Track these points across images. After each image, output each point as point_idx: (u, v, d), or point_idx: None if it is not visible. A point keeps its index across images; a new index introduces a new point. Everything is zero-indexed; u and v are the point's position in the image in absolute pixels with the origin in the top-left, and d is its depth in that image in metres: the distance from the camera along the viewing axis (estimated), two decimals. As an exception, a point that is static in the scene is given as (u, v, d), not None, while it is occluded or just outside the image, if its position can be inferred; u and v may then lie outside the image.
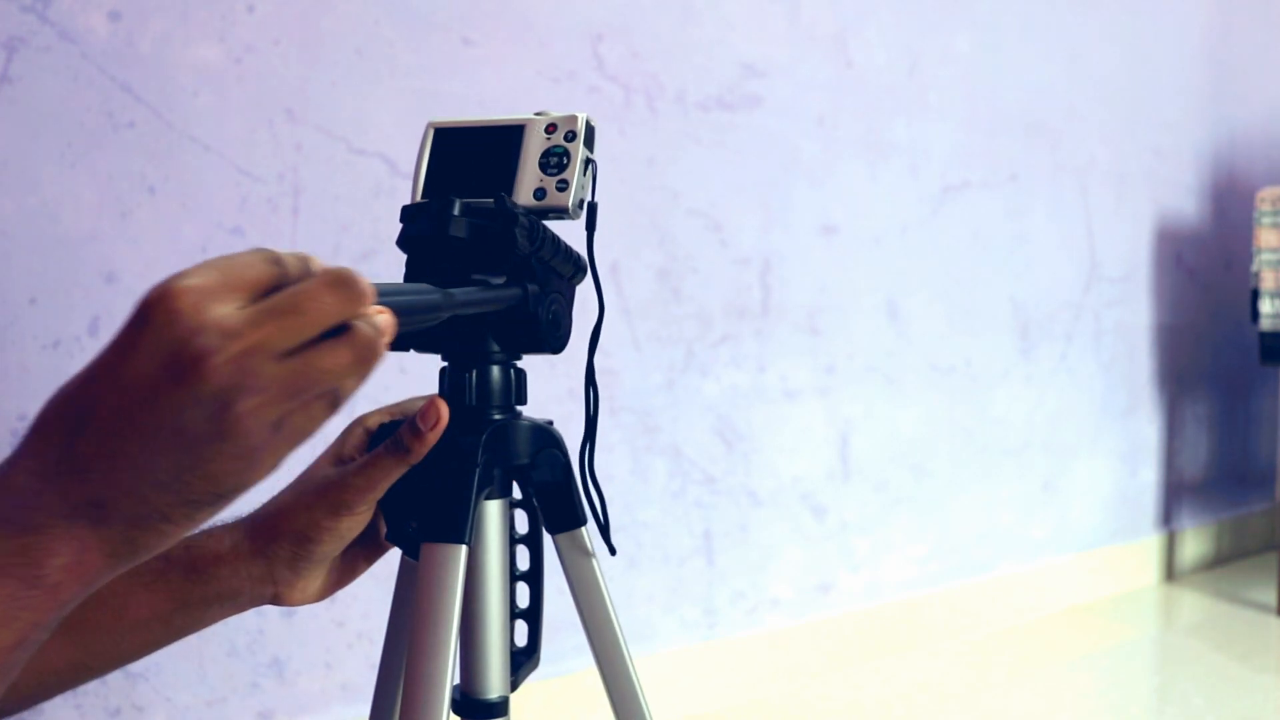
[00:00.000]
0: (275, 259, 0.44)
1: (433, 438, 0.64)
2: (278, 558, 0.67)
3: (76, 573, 0.42)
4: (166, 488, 0.42)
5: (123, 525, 0.42)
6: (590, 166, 0.69)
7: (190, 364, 0.40)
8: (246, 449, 0.42)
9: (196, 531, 0.63)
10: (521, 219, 0.65)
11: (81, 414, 0.41)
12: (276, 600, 0.69)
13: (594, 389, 0.73)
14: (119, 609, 0.65)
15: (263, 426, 0.42)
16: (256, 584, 0.67)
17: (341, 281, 0.44)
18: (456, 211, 0.64)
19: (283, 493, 0.69)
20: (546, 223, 0.69)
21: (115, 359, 0.41)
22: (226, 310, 0.41)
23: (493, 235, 0.64)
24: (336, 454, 0.71)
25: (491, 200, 0.65)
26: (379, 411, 0.73)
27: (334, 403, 0.45)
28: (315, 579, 0.69)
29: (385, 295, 0.49)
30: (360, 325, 0.45)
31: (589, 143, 0.69)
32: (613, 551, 0.74)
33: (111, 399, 0.41)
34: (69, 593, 0.42)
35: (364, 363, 0.45)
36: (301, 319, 0.42)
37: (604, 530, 0.72)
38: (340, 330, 0.44)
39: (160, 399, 0.40)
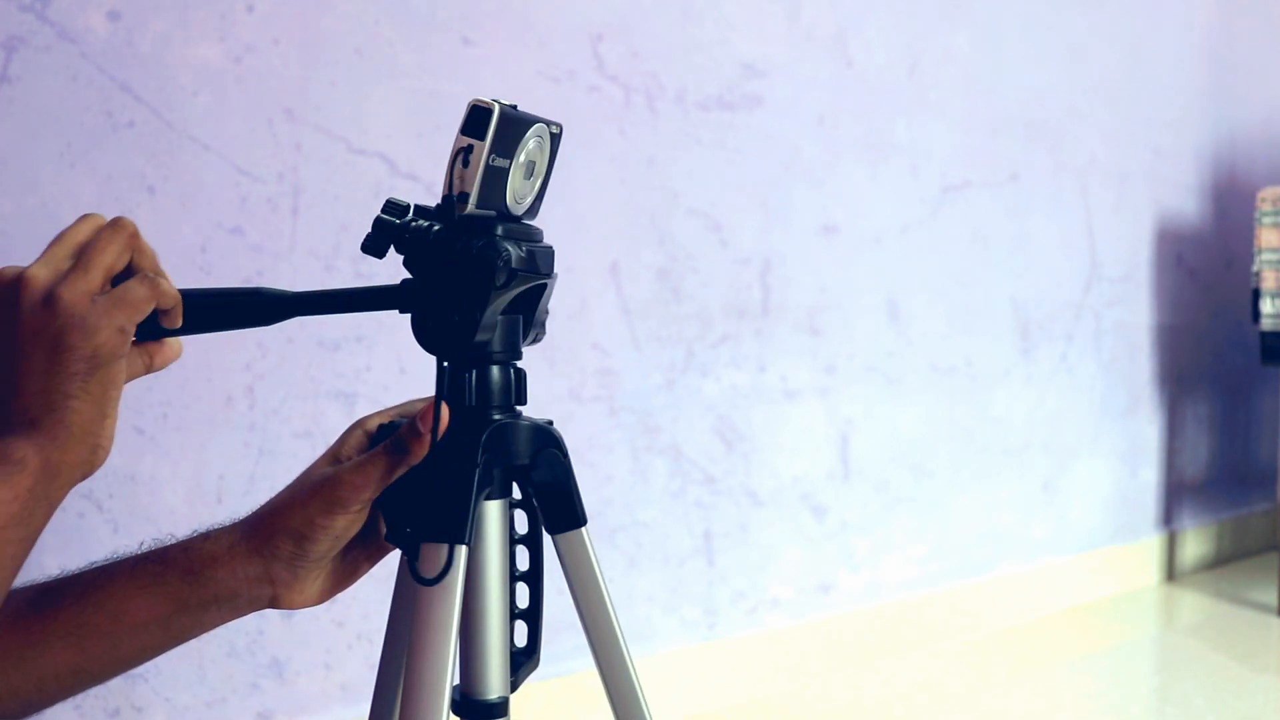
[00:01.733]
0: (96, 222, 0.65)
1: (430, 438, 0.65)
2: (275, 557, 0.67)
3: (39, 457, 0.58)
4: (50, 373, 0.58)
5: (48, 416, 0.58)
6: (460, 157, 0.65)
7: (18, 286, 0.59)
8: (78, 318, 0.58)
9: (194, 535, 0.69)
10: (402, 222, 0.65)
11: None
12: (275, 602, 0.68)
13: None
14: (117, 613, 0.66)
15: (81, 298, 0.59)
16: (254, 585, 0.67)
17: (91, 217, 0.65)
18: (410, 215, 0.65)
19: (280, 493, 0.69)
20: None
21: None
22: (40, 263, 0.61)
23: (392, 237, 0.66)
24: (335, 455, 0.70)
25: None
26: (379, 414, 0.73)
27: (148, 286, 0.61)
28: (313, 580, 0.69)
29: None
30: (117, 219, 0.65)
31: (495, 133, 0.65)
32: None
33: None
34: (40, 470, 0.58)
35: (115, 230, 0.63)
36: (64, 235, 0.63)
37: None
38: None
39: (15, 322, 0.59)
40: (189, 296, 0.66)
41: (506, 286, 0.66)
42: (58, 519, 1.17)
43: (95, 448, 0.60)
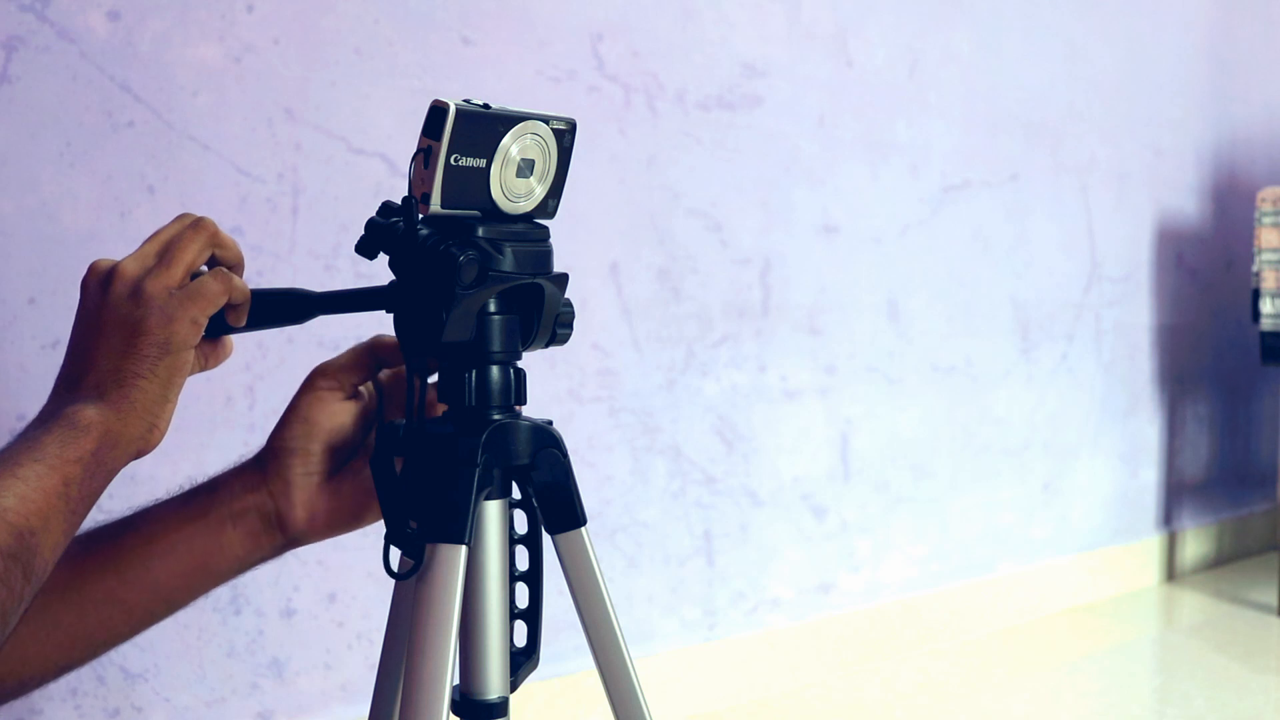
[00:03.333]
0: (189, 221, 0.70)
1: (394, 343, 0.73)
2: (265, 459, 0.74)
3: (101, 424, 0.63)
4: (125, 355, 0.64)
5: (115, 390, 0.64)
6: (421, 156, 0.66)
7: (109, 276, 0.66)
8: (158, 308, 0.64)
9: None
10: (372, 218, 0.67)
11: (72, 349, 0.67)
12: (282, 521, 0.73)
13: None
14: (150, 535, 0.73)
15: (162, 290, 0.65)
16: (259, 496, 0.73)
17: (183, 217, 0.70)
18: (389, 214, 0.67)
19: None
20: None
21: (79, 313, 0.68)
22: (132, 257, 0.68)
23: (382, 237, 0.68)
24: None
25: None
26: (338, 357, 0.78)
27: (221, 279, 0.67)
28: (308, 492, 0.73)
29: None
30: (195, 218, 0.70)
31: (431, 133, 0.65)
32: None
33: (81, 328, 0.67)
34: (102, 435, 0.63)
35: (196, 230, 0.68)
36: (158, 233, 0.68)
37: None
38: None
39: (102, 306, 0.65)
40: (253, 294, 0.70)
41: (477, 286, 0.66)
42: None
43: (152, 427, 0.65)
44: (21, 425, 1.15)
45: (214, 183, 1.25)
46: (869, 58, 1.88)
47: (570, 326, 0.73)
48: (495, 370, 0.69)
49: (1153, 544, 2.49)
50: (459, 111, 0.64)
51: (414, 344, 0.67)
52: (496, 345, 0.69)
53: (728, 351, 1.71)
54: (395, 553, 0.68)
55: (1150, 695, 1.85)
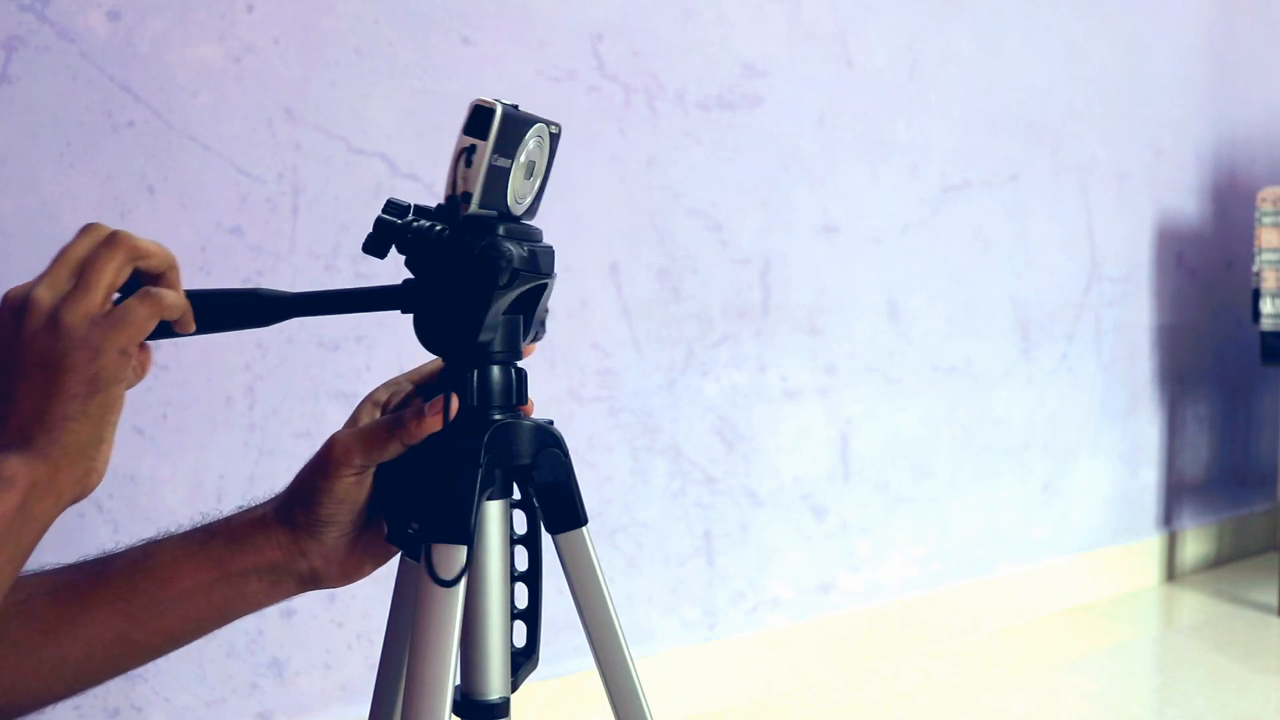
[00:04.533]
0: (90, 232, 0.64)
1: (432, 424, 0.66)
2: (297, 524, 0.69)
3: (28, 478, 0.57)
4: (50, 395, 0.58)
5: (43, 436, 0.58)
6: (464, 156, 0.65)
7: (22, 307, 0.60)
8: (80, 340, 0.58)
9: (237, 510, 0.73)
10: (403, 222, 0.65)
11: None
12: (315, 577, 0.70)
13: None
14: (164, 579, 0.69)
15: (81, 319, 0.59)
16: (288, 553, 0.69)
17: (92, 229, 0.63)
18: (410, 215, 0.66)
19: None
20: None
21: None
22: (29, 284, 0.62)
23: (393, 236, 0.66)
24: (350, 428, 0.72)
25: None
26: (386, 385, 0.75)
27: (149, 302, 0.61)
28: (341, 549, 0.70)
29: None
30: (107, 230, 0.63)
31: (476, 132, 0.65)
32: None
33: None
34: (30, 489, 0.57)
35: (111, 247, 0.61)
36: (66, 252, 0.62)
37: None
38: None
39: (16, 342, 0.59)
40: (193, 298, 0.65)
41: (509, 287, 0.66)
42: (58, 518, 1.17)
43: (89, 471, 0.60)
44: (21, 425, 1.15)
45: (214, 183, 1.25)
46: (869, 58, 1.88)
47: (545, 325, 0.74)
48: (496, 370, 0.69)
49: (1153, 544, 2.49)
50: (505, 111, 0.65)
51: (441, 345, 0.67)
52: (499, 345, 0.69)
53: (728, 351, 1.71)
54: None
55: (1150, 695, 1.85)
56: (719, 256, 1.69)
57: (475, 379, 0.68)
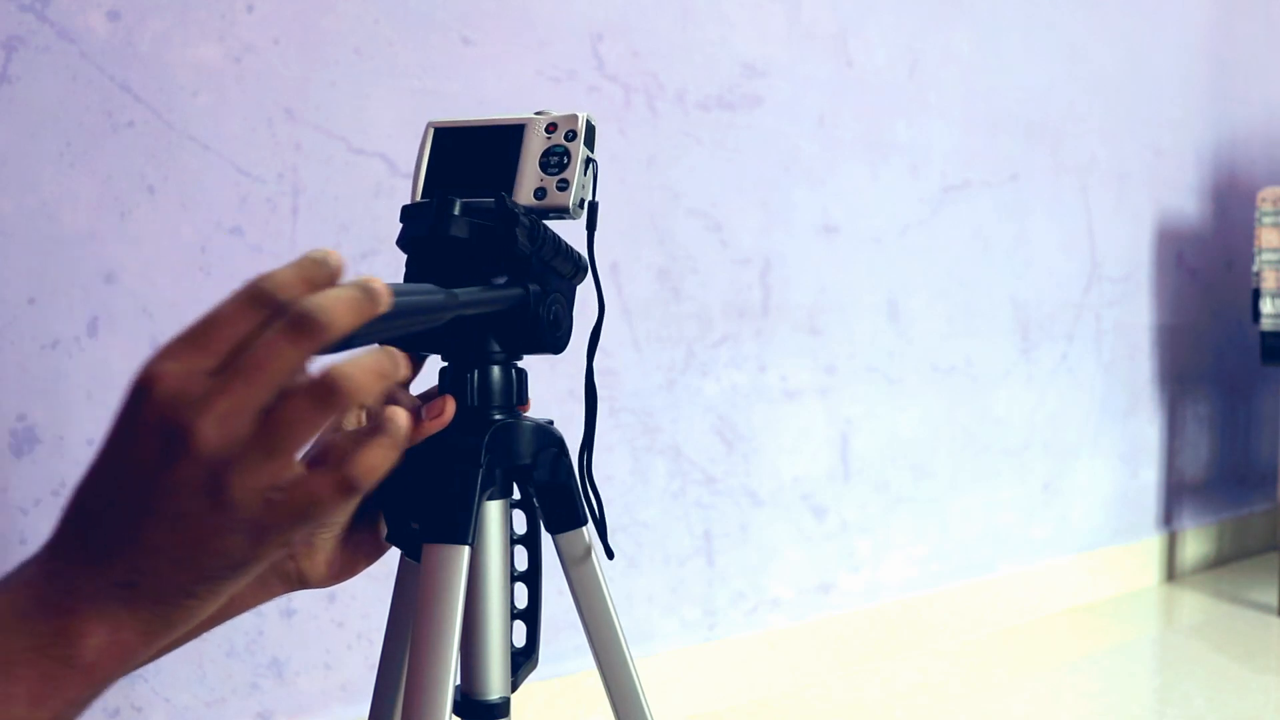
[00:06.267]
0: (256, 295, 0.44)
1: (431, 428, 0.65)
2: None
3: (112, 652, 0.43)
4: (183, 565, 0.43)
5: (151, 603, 0.44)
6: (591, 166, 0.69)
7: (177, 442, 0.42)
8: (245, 521, 0.43)
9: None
10: (522, 219, 0.65)
11: (102, 501, 0.44)
12: (301, 575, 0.69)
13: (593, 391, 0.73)
14: None
15: (254, 496, 0.43)
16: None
17: (298, 323, 0.43)
18: (456, 211, 0.64)
19: None
20: (547, 222, 0.69)
21: (118, 447, 0.43)
22: (201, 383, 0.42)
23: (493, 235, 0.64)
24: None
25: (492, 200, 0.65)
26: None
27: (344, 485, 0.44)
28: (328, 550, 0.69)
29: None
30: (330, 373, 0.44)
31: (589, 142, 0.69)
32: (610, 555, 0.74)
33: (124, 485, 0.43)
34: (104, 672, 0.44)
35: (326, 403, 0.43)
36: (262, 374, 0.42)
37: (602, 534, 0.72)
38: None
39: (160, 482, 0.42)
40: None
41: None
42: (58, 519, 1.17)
43: (173, 643, 0.50)
44: (22, 426, 1.15)
45: (214, 183, 1.25)
46: (869, 58, 1.88)
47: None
48: (496, 370, 0.69)
49: (1153, 544, 2.49)
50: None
51: (539, 348, 0.68)
52: (498, 345, 0.69)
53: (728, 351, 1.71)
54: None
55: (1150, 695, 1.85)
56: (719, 256, 1.69)
57: (475, 379, 0.68)
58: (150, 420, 0.42)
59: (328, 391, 0.43)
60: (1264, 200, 2.23)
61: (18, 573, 0.45)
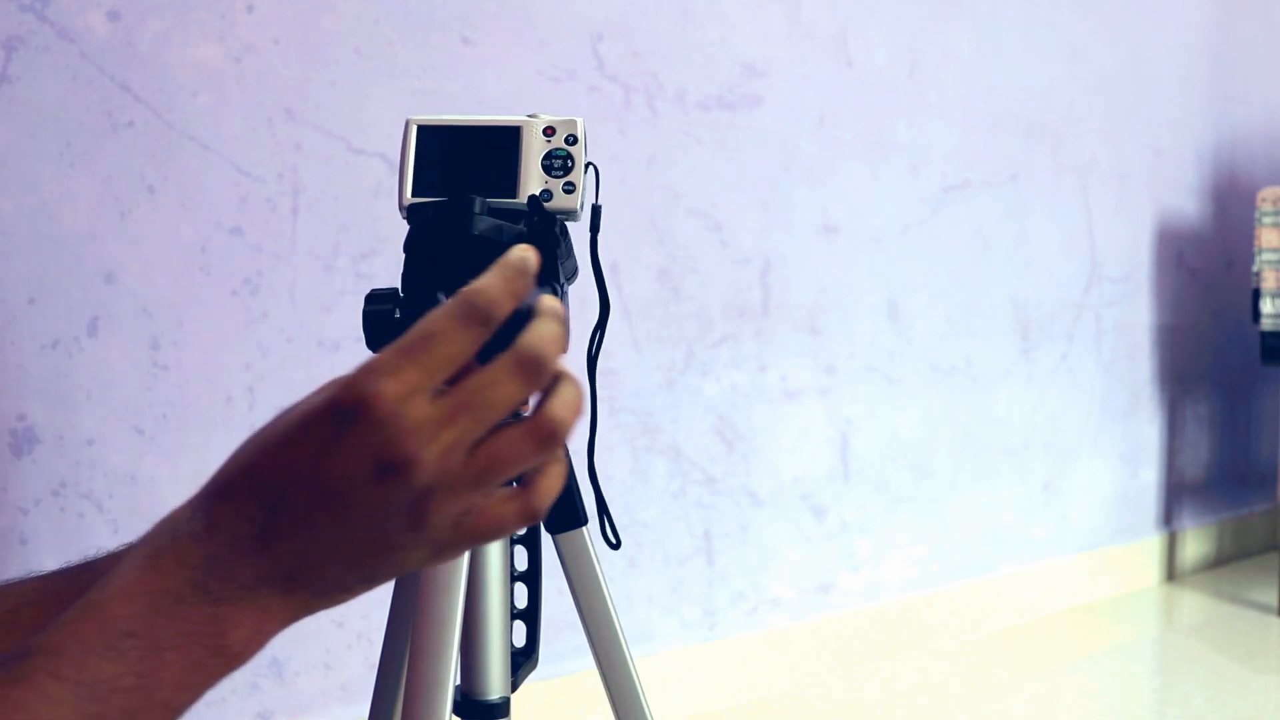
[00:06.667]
0: (470, 311, 0.43)
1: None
2: None
3: (256, 640, 0.45)
4: (353, 567, 0.44)
5: (307, 594, 0.45)
6: (590, 169, 0.70)
7: (399, 468, 0.41)
8: (433, 541, 0.44)
9: None
10: (561, 222, 0.67)
11: (279, 493, 0.44)
12: None
13: (593, 386, 0.74)
14: None
15: (450, 520, 0.43)
16: None
17: (526, 366, 0.43)
18: (478, 210, 0.64)
19: None
20: None
21: (316, 452, 0.43)
22: (425, 410, 0.42)
23: (531, 237, 0.65)
24: None
25: (505, 200, 0.66)
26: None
27: (528, 513, 0.45)
28: None
29: None
30: (547, 416, 0.44)
31: (585, 146, 0.70)
32: (617, 544, 0.74)
33: (313, 486, 0.43)
34: (245, 659, 0.45)
35: (544, 446, 0.44)
36: (489, 412, 0.43)
37: (608, 524, 0.72)
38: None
39: (363, 495, 0.42)
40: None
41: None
42: (58, 519, 1.17)
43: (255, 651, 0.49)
44: (22, 426, 1.15)
45: (214, 183, 1.25)
46: (869, 58, 1.88)
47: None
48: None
49: (1153, 544, 2.49)
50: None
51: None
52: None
53: (728, 351, 1.71)
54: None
55: (1150, 695, 1.85)
56: (719, 256, 1.69)
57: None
58: (371, 440, 0.41)
59: (548, 436, 0.44)
60: (1264, 200, 2.23)
61: (171, 545, 0.44)
